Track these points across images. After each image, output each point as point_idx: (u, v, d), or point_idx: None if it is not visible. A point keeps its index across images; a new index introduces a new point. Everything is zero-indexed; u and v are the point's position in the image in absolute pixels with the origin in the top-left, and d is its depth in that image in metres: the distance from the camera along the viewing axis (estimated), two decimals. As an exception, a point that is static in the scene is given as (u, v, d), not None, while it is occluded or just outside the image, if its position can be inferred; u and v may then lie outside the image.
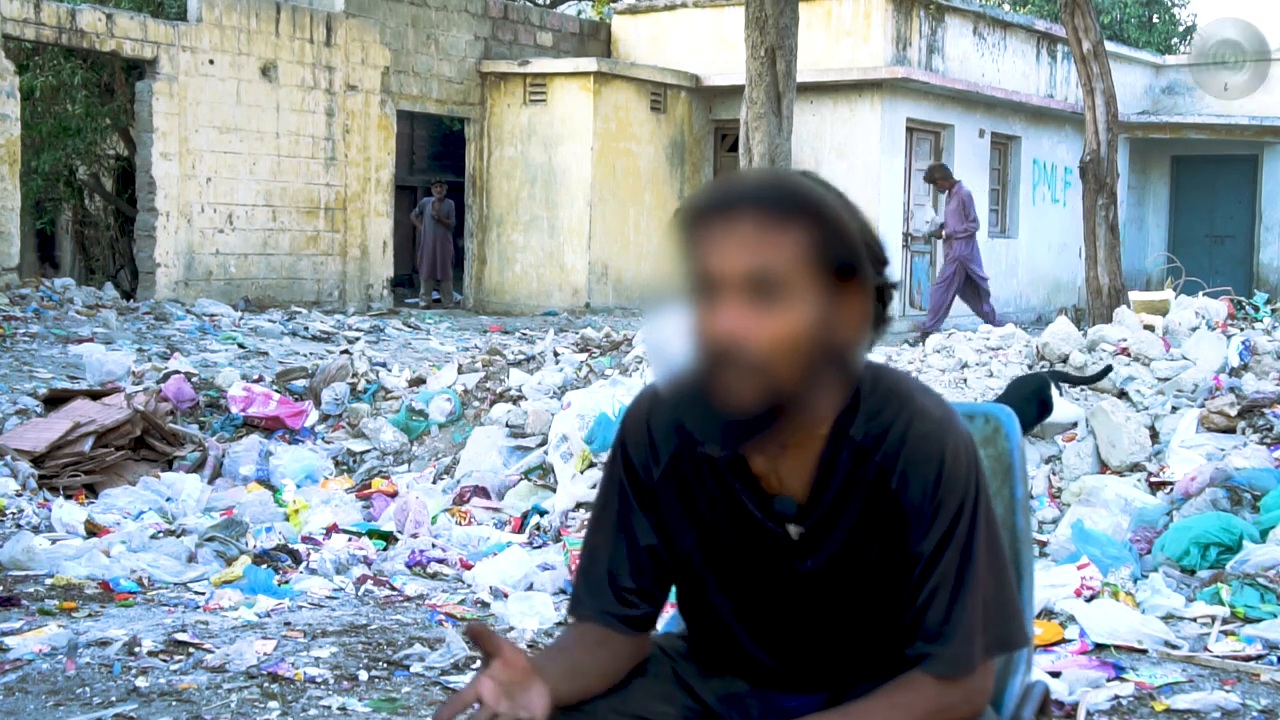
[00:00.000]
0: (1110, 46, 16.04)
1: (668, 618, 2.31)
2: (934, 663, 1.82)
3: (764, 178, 1.76)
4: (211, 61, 15.68)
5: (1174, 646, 4.39)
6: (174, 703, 3.73)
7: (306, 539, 6.01)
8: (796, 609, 1.93)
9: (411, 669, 4.11)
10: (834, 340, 1.74)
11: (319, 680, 3.96)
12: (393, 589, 5.25)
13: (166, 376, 8.67)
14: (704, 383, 1.73)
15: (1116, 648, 4.36)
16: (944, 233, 15.20)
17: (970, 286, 14.98)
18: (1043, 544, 5.45)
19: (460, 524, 6.43)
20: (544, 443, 7.11)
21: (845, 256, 1.73)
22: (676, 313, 1.76)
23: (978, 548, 1.83)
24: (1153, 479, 5.99)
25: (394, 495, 6.93)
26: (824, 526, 1.87)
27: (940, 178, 15.50)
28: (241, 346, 11.93)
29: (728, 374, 1.70)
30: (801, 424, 1.80)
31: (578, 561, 2.02)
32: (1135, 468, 6.15)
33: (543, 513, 6.33)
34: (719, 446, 1.81)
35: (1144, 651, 4.35)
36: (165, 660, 4.11)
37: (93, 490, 6.96)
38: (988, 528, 1.85)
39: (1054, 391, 6.34)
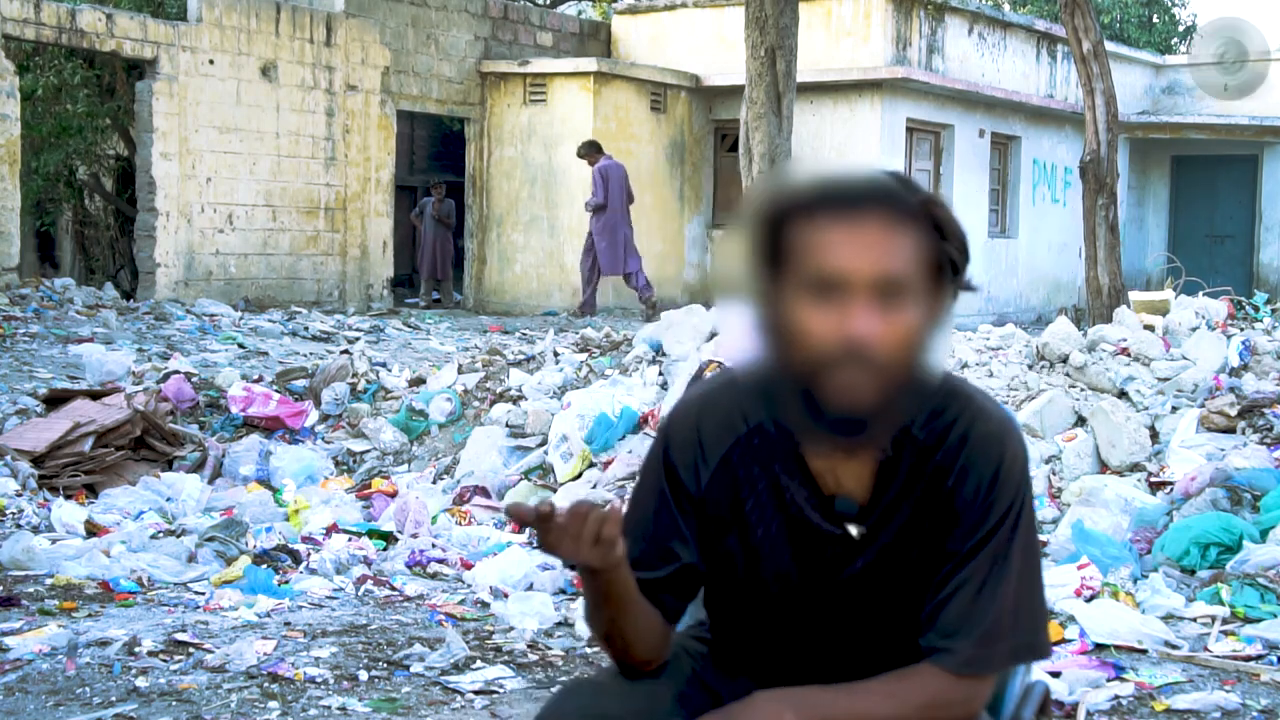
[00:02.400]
0: (1110, 46, 16.04)
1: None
2: (947, 657, 1.81)
3: (879, 176, 1.77)
4: (211, 61, 15.68)
5: (1174, 646, 4.39)
6: (174, 703, 3.73)
7: (306, 539, 6.01)
8: (838, 607, 1.91)
9: (411, 669, 4.11)
10: (931, 341, 1.76)
11: (319, 680, 3.96)
12: (393, 589, 5.25)
13: (166, 376, 8.67)
14: (819, 380, 1.73)
15: (1116, 648, 4.36)
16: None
17: (593, 262, 16.24)
18: (1043, 544, 5.45)
19: (460, 524, 6.43)
20: (544, 443, 7.11)
21: (949, 257, 1.76)
22: (777, 306, 1.75)
23: (1014, 552, 1.83)
24: (1153, 479, 5.98)
25: (394, 495, 6.93)
26: (882, 525, 1.86)
27: (585, 154, 16.26)
28: (241, 346, 11.92)
29: (853, 374, 1.71)
30: (898, 421, 1.79)
31: None
32: (1135, 468, 6.15)
33: (543, 513, 6.32)
34: (828, 440, 1.78)
35: (1144, 651, 4.35)
36: (165, 660, 4.11)
37: (93, 490, 6.96)
38: (1026, 534, 1.85)
39: None
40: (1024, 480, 1.84)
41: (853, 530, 1.86)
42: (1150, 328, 7.56)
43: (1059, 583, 4.83)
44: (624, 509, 1.95)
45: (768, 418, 1.87)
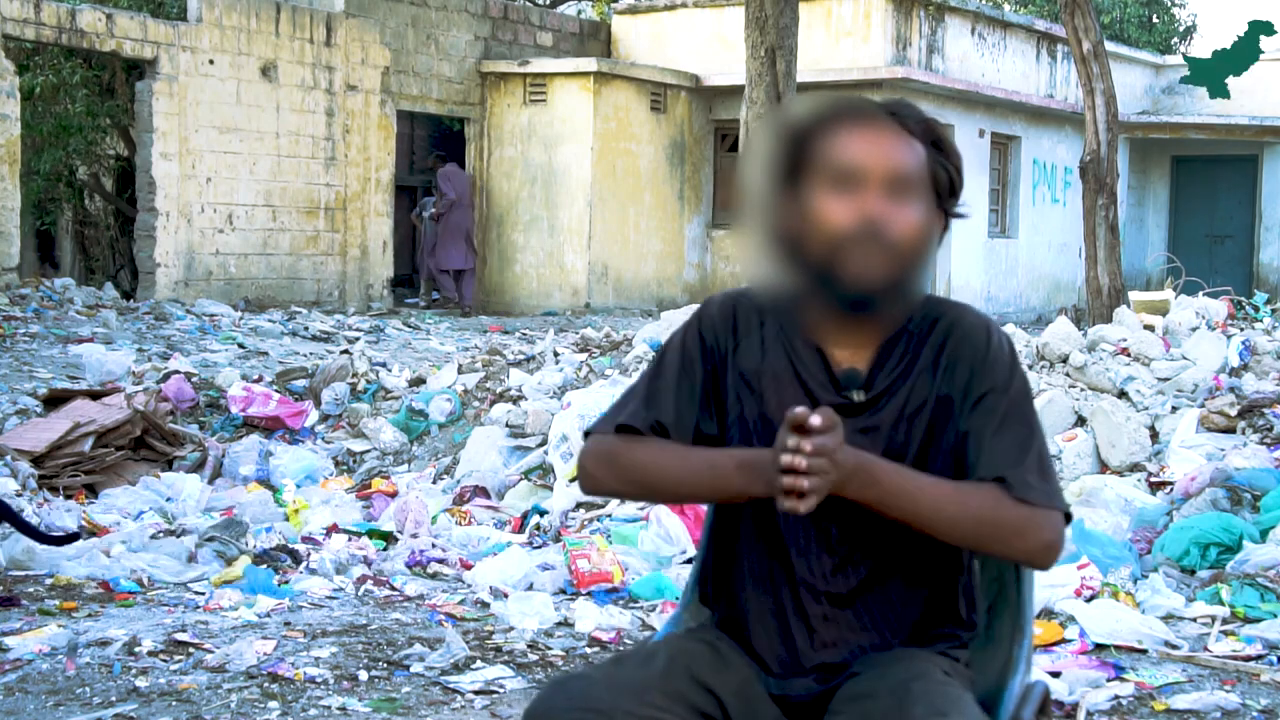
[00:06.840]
0: (1110, 46, 16.04)
1: (669, 618, 2.31)
2: (1006, 483, 1.97)
3: (894, 99, 2.07)
4: (211, 61, 15.68)
5: (1174, 646, 4.39)
6: (174, 703, 3.73)
7: (306, 539, 6.01)
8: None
9: (411, 669, 4.11)
10: (930, 246, 2.03)
11: (319, 680, 3.96)
12: (393, 589, 5.25)
13: (166, 376, 8.67)
14: (837, 258, 1.98)
15: (1116, 648, 4.36)
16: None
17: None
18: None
19: (460, 524, 6.43)
20: (544, 443, 7.11)
21: (949, 179, 2.04)
22: (798, 209, 2.01)
23: (1031, 411, 2.03)
24: (1153, 479, 5.98)
25: (394, 495, 6.93)
26: (882, 397, 2.06)
27: (430, 165, 18.25)
28: (241, 346, 11.93)
29: (868, 250, 1.97)
30: (898, 310, 2.03)
31: (615, 401, 2.19)
32: (1135, 468, 6.15)
33: (543, 513, 6.33)
34: (843, 310, 2.01)
35: (1144, 651, 4.35)
36: (165, 660, 4.11)
37: (93, 490, 6.96)
38: (1034, 412, 2.05)
39: None
40: (1015, 359, 2.06)
41: (855, 395, 2.06)
42: (1150, 328, 7.56)
43: (1059, 583, 4.83)
44: (647, 371, 2.17)
45: (785, 319, 2.10)
